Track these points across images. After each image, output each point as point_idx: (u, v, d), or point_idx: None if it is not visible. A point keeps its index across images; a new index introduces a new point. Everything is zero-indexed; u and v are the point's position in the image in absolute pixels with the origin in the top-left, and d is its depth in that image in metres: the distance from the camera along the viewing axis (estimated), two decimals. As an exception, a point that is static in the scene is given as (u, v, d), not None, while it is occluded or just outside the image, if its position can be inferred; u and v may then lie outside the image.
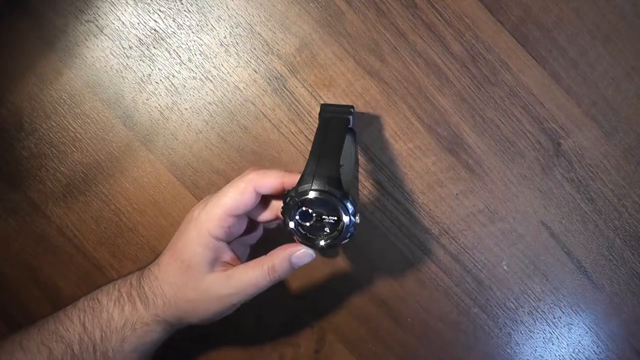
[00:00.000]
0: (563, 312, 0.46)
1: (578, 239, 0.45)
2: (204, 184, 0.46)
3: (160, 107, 0.45)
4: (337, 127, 0.37)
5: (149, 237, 0.46)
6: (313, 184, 0.33)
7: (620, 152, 0.44)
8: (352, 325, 0.47)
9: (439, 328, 0.47)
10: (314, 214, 0.33)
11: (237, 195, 0.35)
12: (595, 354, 0.47)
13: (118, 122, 0.45)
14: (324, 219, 0.33)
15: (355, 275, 0.47)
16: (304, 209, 0.33)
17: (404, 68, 0.44)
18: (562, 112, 0.44)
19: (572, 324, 0.46)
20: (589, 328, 0.46)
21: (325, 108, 0.40)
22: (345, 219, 0.33)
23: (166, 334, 0.38)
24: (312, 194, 0.32)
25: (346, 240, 0.34)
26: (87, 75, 0.45)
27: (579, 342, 0.46)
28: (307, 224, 0.34)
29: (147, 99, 0.45)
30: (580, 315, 0.46)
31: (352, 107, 0.40)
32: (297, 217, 0.33)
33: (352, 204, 0.33)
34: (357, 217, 0.33)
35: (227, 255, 0.36)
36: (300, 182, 0.33)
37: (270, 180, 0.35)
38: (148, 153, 0.45)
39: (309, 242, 0.34)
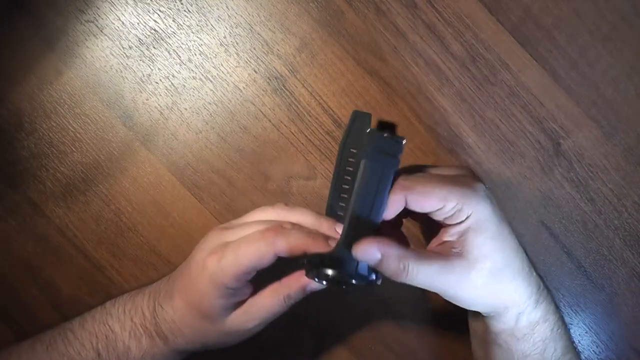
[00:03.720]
0: (563, 312, 0.46)
1: (578, 239, 0.45)
2: (204, 184, 0.46)
3: (160, 107, 0.45)
4: (382, 186, 0.31)
5: (149, 237, 0.46)
6: (340, 271, 0.32)
7: (620, 152, 0.44)
8: (352, 325, 0.47)
9: (439, 328, 0.47)
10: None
11: (256, 258, 0.33)
12: (595, 354, 0.47)
13: (118, 122, 0.45)
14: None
15: (355, 275, 0.47)
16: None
17: (404, 68, 0.44)
18: (562, 112, 0.44)
19: (572, 324, 0.46)
20: (589, 328, 0.46)
21: (374, 140, 0.31)
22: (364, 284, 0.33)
23: (183, 358, 0.39)
24: (337, 280, 0.32)
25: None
26: (87, 75, 0.45)
27: (579, 342, 0.46)
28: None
29: (147, 99, 0.45)
30: (580, 315, 0.46)
31: (403, 140, 0.31)
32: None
33: (376, 280, 0.33)
34: (378, 281, 0.33)
35: (246, 293, 0.36)
36: (329, 256, 0.32)
37: (292, 248, 0.33)
38: (148, 153, 0.45)
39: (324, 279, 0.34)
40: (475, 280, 0.32)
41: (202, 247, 0.36)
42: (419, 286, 0.32)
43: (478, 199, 0.32)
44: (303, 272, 0.35)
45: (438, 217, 0.32)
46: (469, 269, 0.32)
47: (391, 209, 0.32)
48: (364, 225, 0.31)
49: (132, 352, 0.36)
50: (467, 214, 0.31)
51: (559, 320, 0.36)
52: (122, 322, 0.37)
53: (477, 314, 0.36)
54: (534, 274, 0.35)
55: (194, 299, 0.35)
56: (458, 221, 0.32)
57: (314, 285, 0.35)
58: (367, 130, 0.31)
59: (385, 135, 0.31)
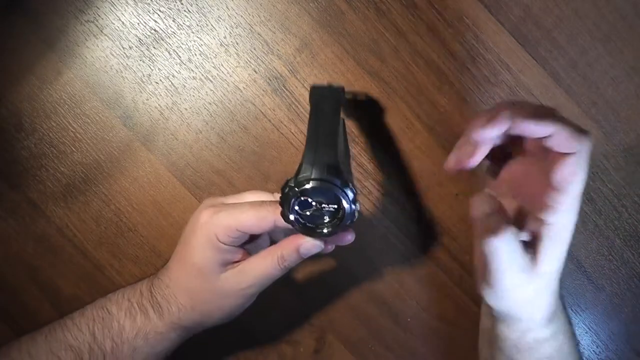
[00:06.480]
0: (563, 312, 0.46)
1: (578, 239, 0.45)
2: (204, 184, 0.46)
3: (160, 107, 0.45)
4: (330, 112, 0.36)
5: (149, 237, 0.46)
6: (312, 172, 0.32)
7: (620, 152, 0.44)
8: (352, 325, 0.47)
9: (439, 328, 0.47)
10: (313, 203, 0.33)
11: (255, 219, 0.34)
12: (595, 353, 0.47)
13: (118, 122, 0.45)
14: (324, 207, 0.33)
15: (355, 275, 0.47)
16: (302, 198, 0.33)
17: (404, 68, 0.44)
18: (562, 112, 0.44)
19: (572, 324, 0.46)
20: (589, 328, 0.46)
21: (315, 91, 0.38)
22: (346, 206, 0.33)
23: (180, 340, 0.38)
24: (311, 184, 0.32)
25: (347, 228, 0.34)
26: (87, 75, 0.45)
27: (579, 342, 0.46)
28: (307, 212, 0.33)
29: (147, 99, 0.45)
30: (580, 315, 0.46)
31: (342, 88, 0.39)
32: (296, 208, 0.33)
33: (352, 190, 0.32)
34: (357, 205, 0.33)
35: (238, 255, 0.36)
36: (299, 172, 0.33)
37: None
38: (148, 153, 0.45)
39: (309, 231, 0.34)
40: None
41: (199, 208, 0.37)
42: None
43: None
44: (298, 235, 0.35)
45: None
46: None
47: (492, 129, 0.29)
48: (323, 149, 0.33)
49: (126, 331, 0.36)
50: (579, 148, 0.30)
51: (569, 339, 0.36)
52: (120, 303, 0.37)
53: (489, 312, 0.36)
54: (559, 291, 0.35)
55: (187, 254, 0.36)
56: (574, 150, 0.30)
57: (308, 245, 0.35)
58: (312, 85, 0.39)
59: (326, 86, 0.39)
